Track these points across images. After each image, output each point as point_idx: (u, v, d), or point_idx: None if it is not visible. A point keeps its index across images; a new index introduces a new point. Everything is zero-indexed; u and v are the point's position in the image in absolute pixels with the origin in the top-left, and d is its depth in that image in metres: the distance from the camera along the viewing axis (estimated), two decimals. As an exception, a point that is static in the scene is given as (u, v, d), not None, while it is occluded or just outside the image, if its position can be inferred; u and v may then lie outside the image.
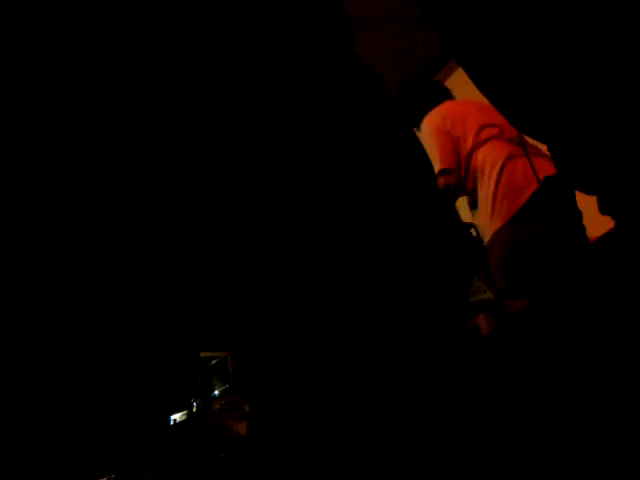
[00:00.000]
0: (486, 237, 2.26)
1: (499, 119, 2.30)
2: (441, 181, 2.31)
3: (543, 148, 2.26)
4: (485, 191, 2.25)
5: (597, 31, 0.63)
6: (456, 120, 2.37)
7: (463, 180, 2.37)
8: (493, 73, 0.73)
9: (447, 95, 2.66)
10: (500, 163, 2.21)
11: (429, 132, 2.41)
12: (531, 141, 2.27)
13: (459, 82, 4.17)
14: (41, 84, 0.59)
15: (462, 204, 2.48)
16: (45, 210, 0.59)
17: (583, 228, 2.24)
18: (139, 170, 0.61)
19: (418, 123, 2.52)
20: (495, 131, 2.29)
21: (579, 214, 2.19)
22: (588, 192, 0.69)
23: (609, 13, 0.63)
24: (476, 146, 2.30)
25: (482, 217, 2.30)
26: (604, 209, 0.67)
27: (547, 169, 2.13)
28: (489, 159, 2.25)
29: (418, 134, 2.53)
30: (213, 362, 2.33)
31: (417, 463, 0.86)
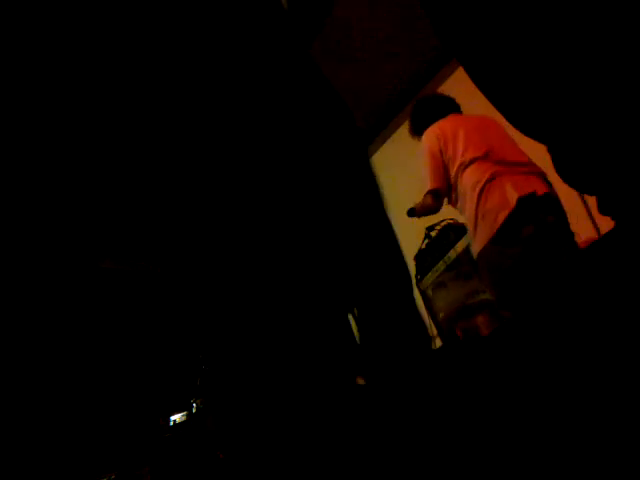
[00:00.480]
0: (474, 254, 2.37)
1: (491, 138, 2.42)
2: (428, 200, 2.48)
3: (531, 166, 2.36)
4: (468, 212, 2.35)
5: (597, 31, 0.63)
6: (448, 141, 2.46)
7: (454, 200, 2.49)
8: (493, 72, 0.73)
9: (452, 108, 2.73)
10: (480, 186, 2.28)
11: (424, 151, 2.53)
12: (519, 159, 2.36)
13: (458, 83, 4.17)
14: (41, 84, 0.59)
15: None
16: (45, 209, 0.58)
17: (571, 235, 2.29)
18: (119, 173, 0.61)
19: (420, 133, 2.63)
20: (482, 151, 2.37)
21: (565, 226, 2.25)
22: (587, 193, 0.69)
23: (609, 13, 0.62)
24: (462, 167, 2.38)
25: (469, 236, 2.41)
26: (603, 209, 0.67)
27: (531, 187, 2.21)
28: (471, 181, 2.33)
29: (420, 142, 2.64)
30: (213, 363, 2.33)
31: (414, 465, 0.86)
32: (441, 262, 2.90)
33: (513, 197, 2.18)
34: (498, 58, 0.70)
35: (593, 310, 0.84)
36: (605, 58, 0.63)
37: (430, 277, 3.01)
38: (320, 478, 0.82)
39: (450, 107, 2.74)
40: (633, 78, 0.60)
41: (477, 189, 2.28)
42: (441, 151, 2.46)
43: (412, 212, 2.67)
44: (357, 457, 0.96)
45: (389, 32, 3.97)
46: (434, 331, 3.03)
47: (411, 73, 4.44)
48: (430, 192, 2.47)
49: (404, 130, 4.14)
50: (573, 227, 2.59)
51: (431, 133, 2.54)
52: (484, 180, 2.28)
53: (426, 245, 3.07)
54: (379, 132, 4.93)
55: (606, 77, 0.63)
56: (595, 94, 0.64)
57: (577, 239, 2.52)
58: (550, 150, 0.72)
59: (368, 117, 4.66)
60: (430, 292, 3.19)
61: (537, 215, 2.18)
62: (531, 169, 2.32)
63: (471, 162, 2.36)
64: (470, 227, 2.35)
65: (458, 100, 2.86)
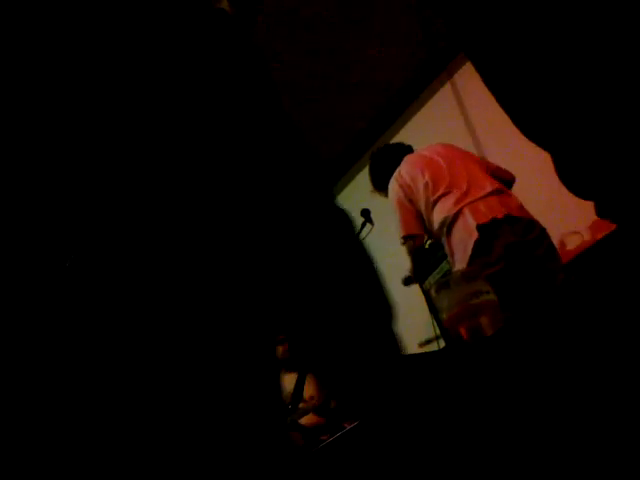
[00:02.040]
0: None
1: (452, 170, 2.51)
2: (408, 247, 2.68)
3: (491, 186, 2.45)
4: (445, 249, 2.52)
5: (601, 36, 0.64)
6: (410, 187, 2.61)
7: (434, 237, 2.66)
8: (502, 69, 0.72)
9: (405, 152, 2.85)
10: (447, 223, 2.45)
11: (392, 202, 2.70)
12: (479, 183, 2.49)
13: (459, 83, 4.17)
14: (41, 85, 0.59)
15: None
16: (45, 211, 0.59)
17: (543, 244, 2.39)
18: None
19: (382, 188, 2.75)
20: (444, 187, 2.51)
21: (534, 238, 2.37)
22: (590, 199, 0.69)
23: (618, 17, 0.63)
24: (429, 208, 2.54)
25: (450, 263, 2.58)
26: (602, 213, 0.68)
27: (491, 211, 2.35)
28: (439, 219, 2.49)
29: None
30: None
31: (421, 464, 0.87)
32: (445, 262, 2.90)
33: (474, 227, 2.33)
34: (508, 53, 0.70)
35: (595, 310, 0.85)
36: (609, 65, 0.63)
37: (434, 277, 3.01)
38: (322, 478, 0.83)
39: (402, 152, 2.88)
40: (633, 84, 0.61)
41: (444, 228, 2.45)
42: (407, 197, 2.61)
43: (409, 280, 2.92)
44: (361, 457, 0.97)
45: (389, 30, 3.97)
46: (437, 331, 3.03)
47: (413, 73, 4.44)
48: (404, 238, 2.64)
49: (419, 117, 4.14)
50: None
51: (394, 183, 2.68)
52: (450, 218, 2.43)
53: (429, 245, 3.08)
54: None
55: (608, 84, 0.63)
56: (596, 99, 0.64)
57: (577, 240, 2.60)
58: (553, 157, 0.72)
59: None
60: (434, 292, 3.19)
61: (501, 237, 2.31)
62: (491, 189, 2.46)
63: (436, 201, 2.50)
64: (450, 259, 2.49)
65: (464, 99, 2.92)
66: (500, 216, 2.34)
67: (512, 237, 2.31)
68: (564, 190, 0.72)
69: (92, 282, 0.59)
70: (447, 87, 4.34)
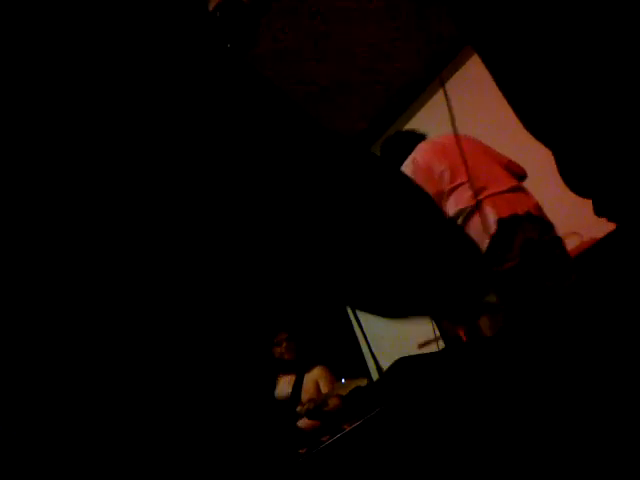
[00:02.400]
0: None
1: (469, 161, 2.47)
2: None
3: (510, 183, 2.42)
4: None
5: (603, 38, 0.64)
6: (425, 172, 2.53)
7: None
8: (511, 67, 0.72)
9: (418, 139, 2.78)
10: (463, 216, 2.39)
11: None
12: (498, 178, 2.45)
13: (460, 84, 4.16)
14: (40, 84, 0.59)
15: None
16: (44, 211, 0.59)
17: (558, 245, 2.36)
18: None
19: None
20: (460, 178, 2.44)
21: (551, 238, 2.33)
22: (590, 197, 0.69)
23: (620, 20, 0.63)
24: (443, 198, 2.47)
25: None
26: (600, 211, 0.68)
27: (511, 207, 2.32)
28: (454, 210, 2.42)
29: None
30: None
31: (422, 463, 0.86)
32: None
33: (494, 220, 2.28)
34: (518, 57, 0.70)
35: (596, 310, 0.85)
36: (609, 64, 0.63)
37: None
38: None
39: (415, 139, 2.79)
40: (633, 86, 0.60)
41: (460, 219, 2.38)
42: (421, 183, 2.50)
43: None
44: (360, 458, 0.97)
45: (387, 29, 3.97)
46: (437, 332, 3.03)
47: (413, 73, 4.45)
48: None
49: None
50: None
51: (408, 168, 2.58)
52: (468, 210, 2.37)
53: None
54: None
55: (613, 82, 0.63)
56: (598, 99, 0.64)
57: (576, 240, 2.60)
58: (555, 154, 0.72)
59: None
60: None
61: (520, 234, 2.27)
62: (510, 186, 2.42)
63: (452, 191, 2.44)
64: None
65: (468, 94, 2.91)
66: (521, 213, 2.31)
67: (531, 235, 2.28)
68: (562, 192, 0.72)
69: (91, 281, 0.59)
70: (448, 87, 4.35)
